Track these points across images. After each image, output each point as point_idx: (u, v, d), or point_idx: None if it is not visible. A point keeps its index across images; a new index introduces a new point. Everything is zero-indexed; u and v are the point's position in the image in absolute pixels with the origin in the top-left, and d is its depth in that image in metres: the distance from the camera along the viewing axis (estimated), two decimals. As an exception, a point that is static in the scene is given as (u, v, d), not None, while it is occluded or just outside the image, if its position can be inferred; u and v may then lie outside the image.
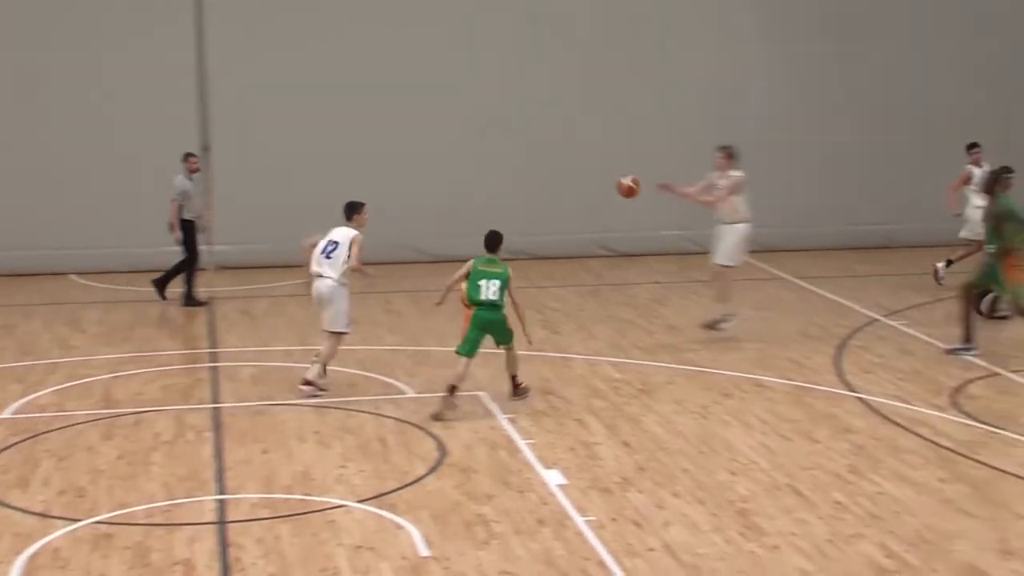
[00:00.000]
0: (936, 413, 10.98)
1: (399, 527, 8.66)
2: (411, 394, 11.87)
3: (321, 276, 11.65)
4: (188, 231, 15.60)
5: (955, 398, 11.37)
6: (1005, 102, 19.07)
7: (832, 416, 10.98)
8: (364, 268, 11.81)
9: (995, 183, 12.69)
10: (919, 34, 19.00)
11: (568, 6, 18.45)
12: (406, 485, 9.44)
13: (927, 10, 19.03)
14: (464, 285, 11.41)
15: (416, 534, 8.51)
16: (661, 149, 18.26)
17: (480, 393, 11.82)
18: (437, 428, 10.80)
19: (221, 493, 9.34)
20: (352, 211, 11.96)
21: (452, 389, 11.04)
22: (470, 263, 11.45)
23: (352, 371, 12.66)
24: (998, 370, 12.20)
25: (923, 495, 9.09)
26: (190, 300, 15.67)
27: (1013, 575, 7.76)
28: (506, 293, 11.34)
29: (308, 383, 11.69)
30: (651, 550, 8.23)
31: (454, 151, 17.82)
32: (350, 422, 11.03)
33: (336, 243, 11.72)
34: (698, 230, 18.43)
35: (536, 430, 10.76)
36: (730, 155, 13.48)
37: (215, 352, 13.59)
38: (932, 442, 10.22)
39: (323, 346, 11.81)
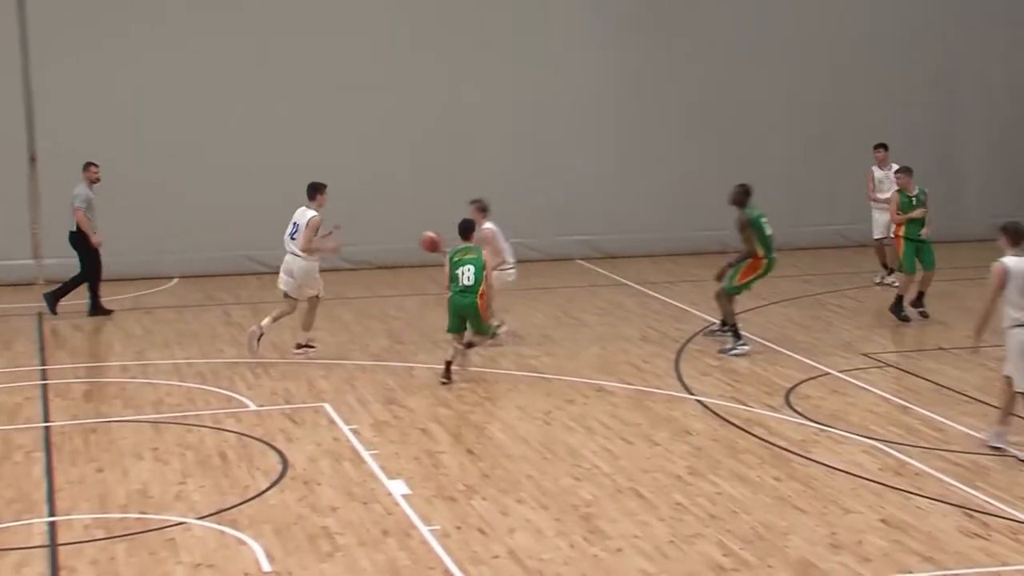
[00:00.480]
0: (770, 413, 11.29)
1: (241, 543, 8.50)
2: (252, 407, 11.67)
3: (292, 254, 13.14)
4: (90, 242, 15.33)
5: (788, 398, 11.71)
6: (839, 103, 19.72)
7: (672, 419, 11.19)
8: (322, 247, 13.20)
9: (746, 195, 13.54)
10: (752, 35, 19.51)
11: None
12: (248, 500, 9.28)
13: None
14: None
15: (258, 549, 8.36)
16: (488, 159, 18.48)
17: (324, 405, 11.70)
18: (280, 442, 10.65)
19: (52, 515, 9.02)
20: (314, 191, 13.19)
21: (448, 364, 12.24)
22: (447, 258, 12.39)
23: (191, 385, 12.39)
24: (828, 370, 12.61)
25: (759, 494, 9.33)
26: (96, 310, 15.44)
27: (842, 567, 8.02)
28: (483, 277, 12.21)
29: (301, 347, 13.29)
30: (496, 557, 8.26)
31: (298, 162, 17.54)
32: (189, 437, 10.79)
33: (296, 225, 13.13)
34: (540, 237, 18.77)
35: (380, 440, 10.69)
36: (481, 208, 13.71)
37: (45, 369, 13.14)
38: (767, 442, 10.50)
39: (302, 317, 13.31)
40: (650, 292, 16.72)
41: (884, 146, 17.19)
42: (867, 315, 15.17)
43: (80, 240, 15.35)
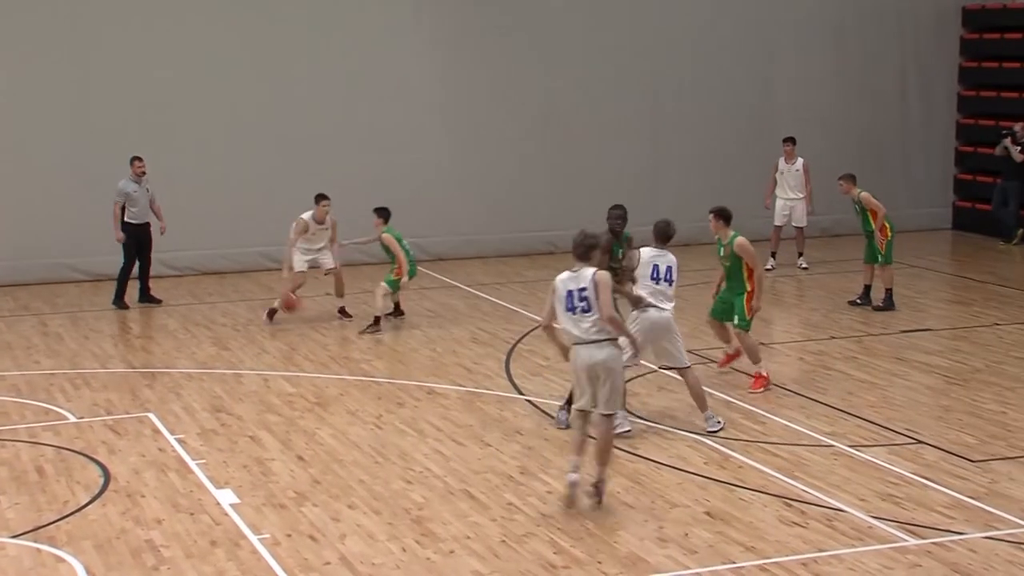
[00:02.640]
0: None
1: (60, 560, 8.20)
2: (72, 419, 11.28)
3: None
4: (130, 235, 15.60)
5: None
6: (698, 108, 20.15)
7: (503, 419, 11.26)
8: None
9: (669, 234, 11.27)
10: (588, 31, 19.77)
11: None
12: (66, 516, 8.96)
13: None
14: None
15: (79, 566, 8.09)
16: (317, 159, 18.32)
17: (148, 414, 11.39)
18: (102, 454, 10.32)
19: None
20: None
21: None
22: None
23: (4, 398, 11.91)
24: (654, 367, 12.86)
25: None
26: (118, 302, 15.86)
27: (669, 560, 8.19)
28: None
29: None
30: (327, 564, 8.17)
31: (116, 165, 17.03)
32: (3, 453, 10.37)
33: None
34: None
35: (207, 449, 10.47)
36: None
37: None
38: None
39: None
40: (480, 294, 16.80)
41: (792, 140, 17.86)
42: (692, 311, 15.51)
43: (127, 233, 15.65)
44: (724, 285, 12.16)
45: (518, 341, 14.19)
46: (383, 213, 14.69)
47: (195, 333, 14.73)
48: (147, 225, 15.86)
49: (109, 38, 17.61)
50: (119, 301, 15.84)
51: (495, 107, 19.26)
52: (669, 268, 10.88)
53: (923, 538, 8.46)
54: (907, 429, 10.79)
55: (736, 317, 12.01)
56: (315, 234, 14.91)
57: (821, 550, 8.30)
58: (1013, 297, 16.08)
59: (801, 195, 17.91)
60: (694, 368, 11.20)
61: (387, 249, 14.57)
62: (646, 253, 10.89)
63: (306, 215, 14.89)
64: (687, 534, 8.59)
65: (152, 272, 16.18)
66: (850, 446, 10.37)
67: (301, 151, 18.37)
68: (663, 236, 10.96)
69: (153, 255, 16.07)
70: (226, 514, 8.99)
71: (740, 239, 11.72)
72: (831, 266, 18.25)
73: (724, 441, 10.55)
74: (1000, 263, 18.72)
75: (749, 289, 11.87)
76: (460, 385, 12.39)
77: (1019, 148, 19.51)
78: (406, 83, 18.87)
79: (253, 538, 8.55)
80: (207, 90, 17.99)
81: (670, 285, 10.87)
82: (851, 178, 15.60)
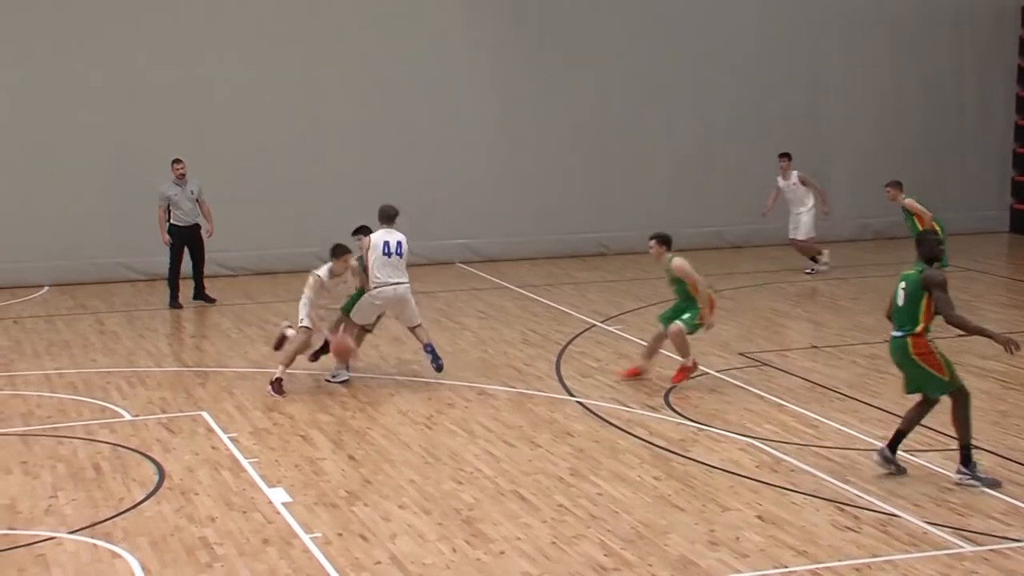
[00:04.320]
0: (651, 414, 11.42)
1: (116, 556, 8.30)
2: (128, 417, 11.41)
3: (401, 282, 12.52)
4: (177, 237, 15.85)
5: (668, 399, 11.86)
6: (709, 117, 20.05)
7: (553, 421, 11.25)
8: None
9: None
10: (636, 44, 19.73)
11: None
12: (122, 512, 9.06)
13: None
14: None
15: (134, 562, 8.18)
16: (367, 162, 18.41)
17: (202, 413, 11.50)
18: (156, 452, 10.43)
19: (-83, 532, 8.71)
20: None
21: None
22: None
23: (63, 396, 12.07)
24: (706, 370, 12.81)
25: (639, 493, 9.43)
26: (173, 302, 16.05)
27: (720, 564, 8.15)
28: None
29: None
30: (378, 563, 8.20)
31: (160, 166, 17.18)
32: (61, 450, 10.50)
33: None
34: (420, 241, 18.68)
35: (260, 448, 10.55)
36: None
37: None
38: (647, 442, 10.63)
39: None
40: (530, 295, 16.80)
41: (787, 155, 17.72)
42: (744, 315, 15.44)
43: (172, 235, 15.85)
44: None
45: (569, 342, 14.18)
46: (366, 231, 12.61)
47: (248, 333, 14.86)
48: (196, 227, 15.98)
49: (159, 36, 17.77)
50: (173, 302, 16.00)
51: (544, 111, 19.30)
52: (399, 243, 12.26)
53: (979, 544, 8.35)
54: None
55: (687, 315, 12.00)
56: (331, 290, 12.38)
57: (875, 555, 8.22)
58: (1071, 301, 15.87)
59: (802, 209, 17.77)
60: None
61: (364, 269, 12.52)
62: (375, 235, 12.22)
63: (321, 271, 12.26)
64: (738, 538, 8.54)
65: (206, 272, 16.34)
66: (904, 451, 10.25)
67: (350, 152, 18.48)
68: (387, 217, 12.43)
69: (207, 255, 16.23)
70: (278, 513, 9.05)
71: (676, 261, 11.93)
72: (885, 268, 18.04)
73: (776, 445, 10.47)
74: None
75: (702, 307, 11.98)
76: (511, 386, 12.40)
77: None
78: (456, 88, 18.94)
79: (305, 537, 8.60)
80: (260, 90, 18.13)
81: (401, 258, 12.24)
82: (897, 185, 15.58)
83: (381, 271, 12.26)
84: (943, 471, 9.73)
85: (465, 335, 14.68)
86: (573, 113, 19.39)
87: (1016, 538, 8.46)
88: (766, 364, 13.00)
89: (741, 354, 13.52)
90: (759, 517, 8.90)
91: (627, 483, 9.64)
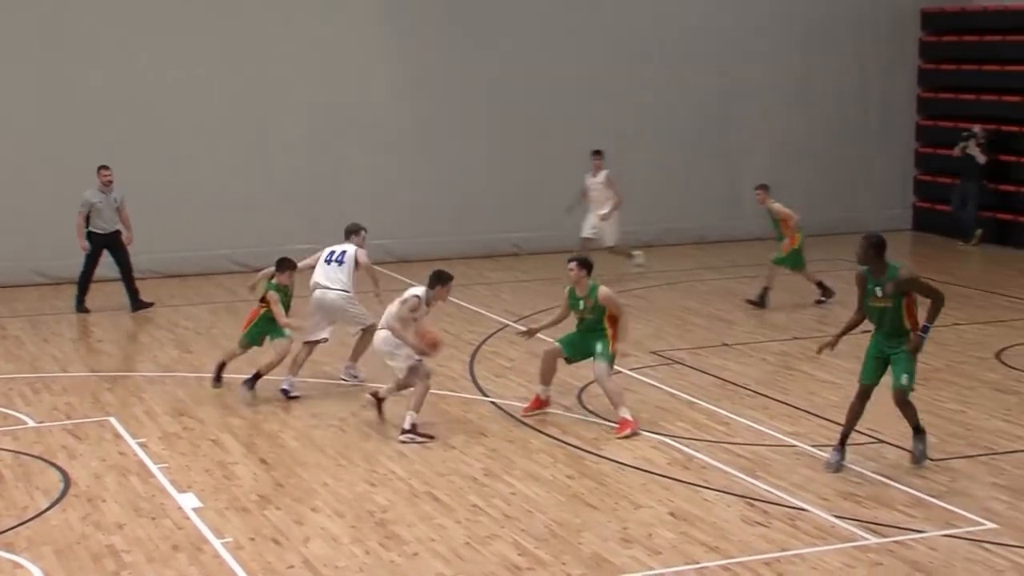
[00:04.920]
0: (564, 413, 11.47)
1: (18, 567, 8.12)
2: (31, 424, 11.17)
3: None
4: (96, 244, 15.47)
5: (580, 398, 11.91)
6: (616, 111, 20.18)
7: (467, 421, 11.25)
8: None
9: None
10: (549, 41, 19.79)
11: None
12: (25, 521, 8.87)
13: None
14: None
15: (38, 572, 8.02)
16: (278, 161, 18.28)
17: (109, 418, 11.31)
18: (62, 459, 10.23)
19: None
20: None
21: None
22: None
23: (-36, 403, 11.79)
24: (619, 368, 12.85)
25: (553, 492, 9.46)
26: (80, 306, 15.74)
27: (633, 561, 8.21)
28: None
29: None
30: (291, 567, 8.13)
31: (80, 162, 16.84)
32: (-38, 458, 10.26)
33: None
34: (331, 243, 18.58)
35: (169, 453, 10.40)
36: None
37: None
38: (561, 441, 10.67)
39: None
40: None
41: (599, 153, 17.48)
42: (656, 313, 15.57)
43: (91, 241, 15.52)
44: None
45: (482, 343, 14.18)
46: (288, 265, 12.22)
47: (157, 336, 14.64)
48: (116, 233, 15.64)
49: (76, 41, 17.46)
50: (80, 305, 15.70)
51: (458, 111, 19.25)
52: (343, 252, 12.43)
53: (884, 536, 8.52)
54: (868, 428, 10.84)
55: (599, 346, 10.90)
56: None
57: (784, 549, 8.34)
58: (972, 297, 16.22)
59: (603, 211, 17.29)
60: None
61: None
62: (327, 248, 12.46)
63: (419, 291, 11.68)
64: (651, 535, 8.61)
65: (112, 276, 16.04)
66: (812, 446, 10.43)
67: (262, 153, 18.31)
68: (346, 232, 12.75)
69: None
70: (188, 518, 8.93)
71: (603, 290, 10.92)
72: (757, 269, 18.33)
73: (688, 442, 10.58)
74: (960, 263, 18.88)
75: (611, 331, 10.94)
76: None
77: (980, 150, 19.70)
78: (367, 88, 18.82)
79: (216, 542, 8.49)
80: (163, 91, 17.87)
81: (340, 265, 12.34)
82: (766, 188, 15.84)
83: (316, 275, 12.45)
84: (850, 465, 9.90)
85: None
86: (487, 113, 19.40)
87: (919, 529, 8.64)
88: (678, 362, 13.13)
89: (653, 352, 13.63)
90: (671, 514, 8.98)
91: (541, 482, 9.67)
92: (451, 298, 16.27)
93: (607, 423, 11.12)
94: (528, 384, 12.39)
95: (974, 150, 19.67)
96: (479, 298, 16.55)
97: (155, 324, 15.21)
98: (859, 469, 9.82)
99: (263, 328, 12.07)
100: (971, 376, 12.58)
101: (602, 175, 17.46)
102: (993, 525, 8.68)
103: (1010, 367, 12.88)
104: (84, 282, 15.73)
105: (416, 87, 19.09)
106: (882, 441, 10.53)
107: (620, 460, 10.14)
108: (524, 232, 19.70)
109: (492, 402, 11.85)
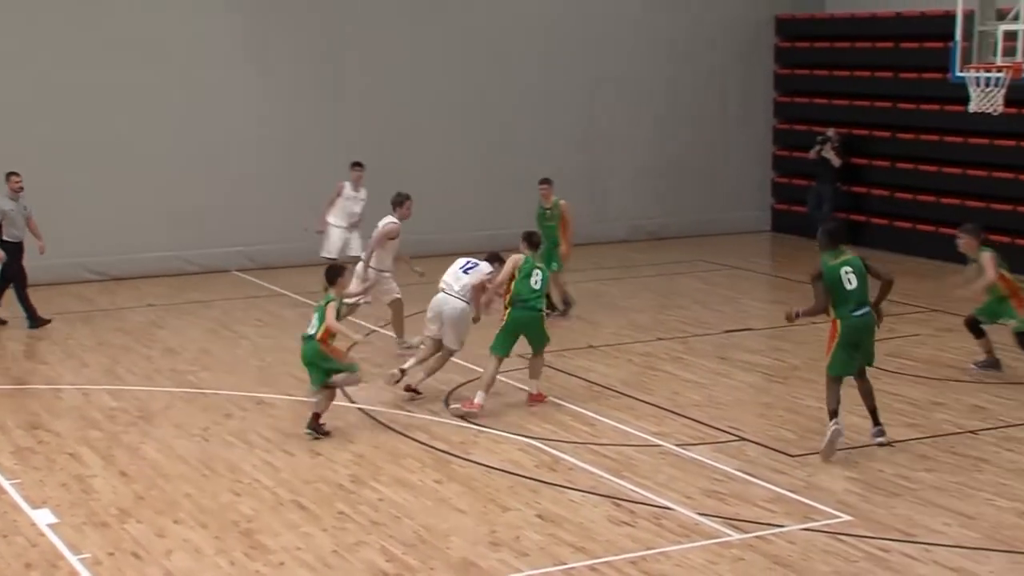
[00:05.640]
0: (431, 418, 11.44)
1: None
2: None
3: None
4: (8, 253, 14.59)
5: (448, 402, 11.90)
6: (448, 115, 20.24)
7: (333, 428, 11.13)
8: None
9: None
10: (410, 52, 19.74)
11: None
12: None
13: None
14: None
15: None
16: (137, 166, 17.88)
17: (-42, 433, 10.91)
18: (-93, 476, 9.82)
19: None
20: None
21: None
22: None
23: None
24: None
25: (421, 497, 9.43)
26: None
27: (500, 564, 8.23)
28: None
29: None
30: (152, 582, 7.95)
31: None
32: None
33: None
34: (193, 250, 18.29)
35: (23, 468, 10.07)
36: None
37: None
38: (428, 446, 10.64)
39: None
40: (309, 301, 16.49)
41: (360, 164, 16.18)
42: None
43: (6, 250, 14.71)
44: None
45: (349, 349, 14.04)
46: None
47: (8, 348, 14.18)
48: (22, 244, 14.92)
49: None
50: None
51: (320, 116, 19.06)
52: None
53: (746, 532, 8.70)
54: (730, 427, 11.08)
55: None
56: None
57: (649, 548, 8.45)
58: (828, 296, 16.67)
59: (353, 222, 16.11)
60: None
61: None
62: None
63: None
64: (519, 537, 8.64)
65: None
66: (677, 445, 10.60)
67: (106, 159, 17.81)
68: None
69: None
70: (43, 535, 8.66)
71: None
72: (659, 268, 18.65)
73: (555, 444, 10.65)
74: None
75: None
76: (290, 395, 12.21)
77: (835, 153, 20.26)
78: (228, 93, 18.54)
79: (72, 558, 8.25)
80: (50, 94, 17.38)
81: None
82: (549, 183, 15.32)
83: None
84: (714, 464, 10.08)
85: (243, 344, 14.39)
86: (348, 119, 19.25)
87: (779, 524, 8.85)
88: (544, 365, 13.18)
89: (520, 356, 13.68)
90: (539, 516, 9.03)
91: (408, 487, 9.63)
92: (314, 304, 16.20)
93: (474, 427, 11.13)
94: (395, 389, 12.33)
95: (829, 153, 20.24)
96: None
97: (5, 336, 14.71)
98: (722, 467, 10.01)
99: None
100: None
101: (364, 192, 16.12)
102: (848, 517, 8.93)
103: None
104: None
105: (275, 91, 18.85)
106: (744, 439, 10.75)
107: (488, 464, 10.16)
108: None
109: (359, 408, 11.76)
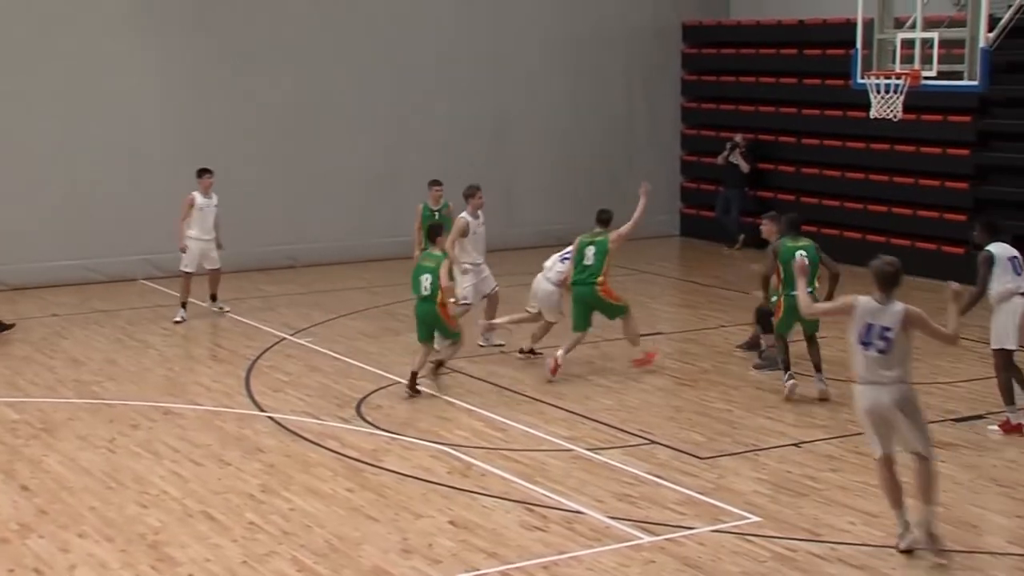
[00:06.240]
0: (343, 425, 11.38)
1: None
2: None
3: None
4: None
5: (360, 409, 11.84)
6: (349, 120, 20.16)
7: (243, 438, 11.02)
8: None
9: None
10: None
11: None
12: None
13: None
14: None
15: None
16: (37, 172, 17.54)
17: None
18: None
19: None
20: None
21: (414, 375, 12.15)
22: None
23: None
24: (398, 379, 12.86)
25: (332, 506, 9.36)
26: None
27: (413, 571, 8.21)
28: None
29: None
30: (56, 598, 7.79)
31: None
32: None
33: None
34: (99, 258, 17.97)
35: (-80, 484, 9.81)
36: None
37: None
38: (340, 454, 10.57)
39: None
40: (216, 310, 16.36)
41: (208, 171, 15.61)
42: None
43: None
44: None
45: (258, 357, 13.92)
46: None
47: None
48: None
49: None
50: None
51: (226, 121, 18.85)
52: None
53: (656, 535, 8.77)
54: (641, 430, 11.17)
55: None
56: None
57: (561, 552, 8.48)
58: (736, 300, 16.88)
59: (215, 234, 15.68)
60: None
61: None
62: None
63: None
64: (431, 544, 8.62)
65: None
66: (588, 449, 10.66)
67: (6, 167, 17.44)
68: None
69: None
70: (-59, 552, 8.44)
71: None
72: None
73: (466, 450, 10.65)
74: (724, 268, 19.64)
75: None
76: (198, 404, 12.06)
77: (742, 158, 20.54)
78: (130, 97, 18.25)
79: (-27, 576, 8.06)
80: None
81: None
82: (441, 185, 15.31)
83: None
84: (624, 467, 10.16)
85: (150, 353, 14.17)
86: (257, 123, 19.07)
87: (689, 526, 8.94)
88: (456, 370, 13.19)
89: (431, 361, 13.64)
90: (451, 522, 9.02)
91: (320, 496, 9.56)
92: (231, 313, 16.08)
93: (386, 434, 11.09)
94: (306, 398, 12.24)
95: (737, 158, 20.52)
96: (255, 312, 16.25)
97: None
98: (632, 470, 10.09)
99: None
100: (736, 376, 13.10)
101: (216, 198, 15.62)
102: (756, 518, 9.06)
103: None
104: None
105: (179, 95, 18.60)
106: (654, 442, 10.85)
107: (400, 471, 10.12)
108: (300, 244, 19.47)
109: (269, 417, 11.65)
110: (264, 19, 19.08)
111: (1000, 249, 10.88)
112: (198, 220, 15.66)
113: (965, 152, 17.98)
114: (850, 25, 14.84)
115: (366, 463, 10.33)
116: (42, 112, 17.67)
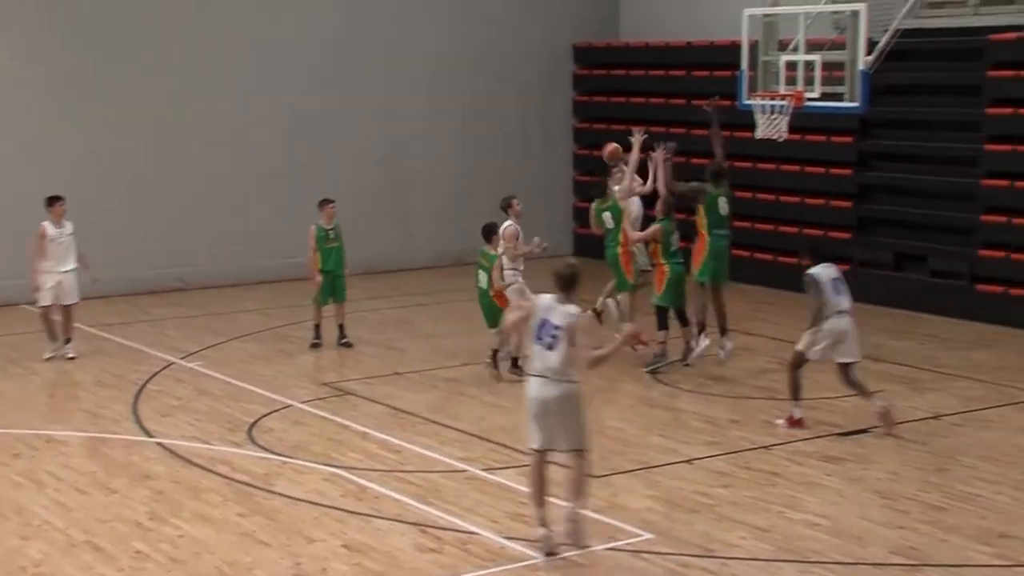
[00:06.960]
0: (234, 450, 11.20)
1: None
2: None
3: None
4: None
5: (251, 433, 11.67)
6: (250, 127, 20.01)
7: (130, 464, 10.79)
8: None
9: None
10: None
11: None
12: None
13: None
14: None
15: None
16: None
17: None
18: None
19: None
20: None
21: (494, 352, 13.50)
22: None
23: None
24: (290, 402, 12.72)
25: (223, 532, 9.20)
26: None
27: (307, 598, 8.11)
28: None
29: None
30: (-68, 634, 7.52)
31: None
32: None
33: None
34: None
35: None
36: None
37: None
38: (230, 479, 10.40)
39: None
40: (104, 334, 16.03)
41: (60, 199, 14.60)
42: (327, 346, 15.46)
43: None
44: None
45: (147, 382, 13.65)
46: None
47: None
48: None
49: None
50: None
51: (116, 142, 18.53)
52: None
53: (552, 554, 8.76)
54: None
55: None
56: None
57: (456, 574, 8.44)
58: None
59: (74, 265, 14.66)
60: None
61: None
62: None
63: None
64: (325, 569, 8.51)
65: None
66: (483, 469, 10.64)
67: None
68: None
69: None
70: None
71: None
72: (465, 293, 18.66)
73: (361, 472, 10.55)
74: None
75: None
76: (83, 431, 11.77)
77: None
78: (12, 106, 17.83)
79: None
80: None
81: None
82: (331, 203, 15.20)
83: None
84: (519, 487, 10.15)
85: (33, 379, 13.81)
86: (145, 145, 18.76)
87: (586, 545, 8.95)
88: (350, 393, 13.09)
89: (325, 384, 13.55)
90: (345, 546, 8.92)
91: (210, 522, 9.39)
92: (113, 337, 15.74)
93: (278, 458, 10.94)
94: (196, 423, 12.04)
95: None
96: (143, 336, 15.94)
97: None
98: (527, 490, 10.06)
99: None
100: (630, 394, 13.20)
101: (70, 226, 14.64)
102: (650, 535, 9.12)
103: (664, 384, 13.61)
104: None
105: (66, 110, 18.24)
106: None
107: (292, 495, 9.99)
108: (189, 266, 19.16)
109: (158, 443, 11.42)
110: (130, 33, 18.77)
111: (824, 271, 11.66)
112: (52, 252, 14.51)
113: (848, 172, 18.41)
114: (736, 47, 15.11)
115: (258, 487, 10.18)
116: (53, 125, 17.36)
